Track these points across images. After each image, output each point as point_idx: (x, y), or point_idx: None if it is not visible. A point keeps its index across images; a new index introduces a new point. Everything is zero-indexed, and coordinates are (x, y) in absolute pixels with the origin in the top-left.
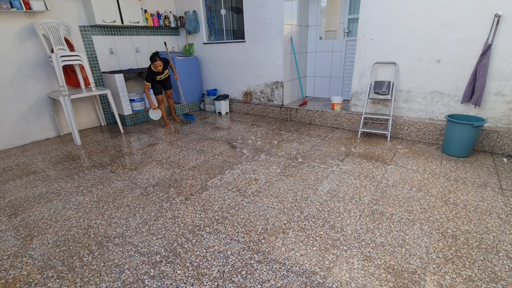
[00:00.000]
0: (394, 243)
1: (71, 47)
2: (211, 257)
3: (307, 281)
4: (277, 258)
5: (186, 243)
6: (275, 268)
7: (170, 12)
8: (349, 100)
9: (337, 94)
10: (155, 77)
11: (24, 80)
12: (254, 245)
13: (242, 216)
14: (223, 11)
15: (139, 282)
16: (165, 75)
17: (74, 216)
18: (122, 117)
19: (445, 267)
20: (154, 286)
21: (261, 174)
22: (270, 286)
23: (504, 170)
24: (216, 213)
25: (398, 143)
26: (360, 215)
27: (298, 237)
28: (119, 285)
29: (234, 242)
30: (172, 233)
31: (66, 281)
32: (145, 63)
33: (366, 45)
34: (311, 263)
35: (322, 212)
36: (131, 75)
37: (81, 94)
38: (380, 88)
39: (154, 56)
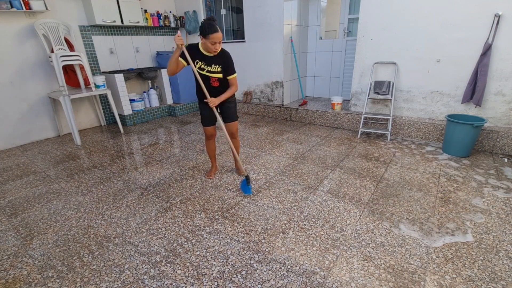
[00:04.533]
0: (394, 243)
1: (71, 47)
2: (211, 257)
3: (307, 281)
4: (277, 258)
5: (186, 243)
6: (275, 268)
7: (170, 12)
8: (349, 100)
9: (337, 94)
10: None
11: (24, 80)
12: (254, 245)
13: (242, 216)
14: (223, 11)
15: (139, 282)
16: (215, 73)
17: (74, 216)
18: (122, 117)
19: (445, 267)
20: (154, 286)
21: (261, 174)
22: (270, 286)
23: (504, 170)
24: (216, 213)
25: (398, 143)
26: (360, 215)
27: (298, 237)
28: (119, 285)
29: (234, 242)
30: (172, 233)
31: (66, 281)
32: (145, 63)
33: (366, 45)
34: (311, 263)
35: (322, 212)
36: (131, 75)
37: (81, 94)
38: (380, 88)
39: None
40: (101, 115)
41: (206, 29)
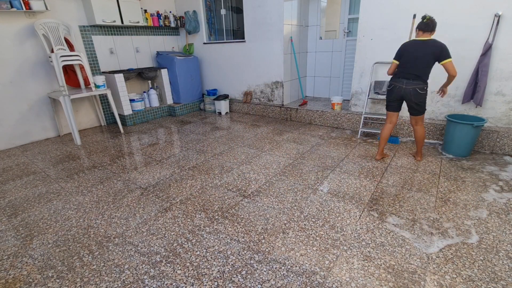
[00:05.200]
0: (394, 243)
1: (71, 47)
2: (211, 257)
3: (307, 281)
4: (277, 258)
5: (186, 243)
6: (275, 268)
7: (170, 12)
8: (349, 100)
9: (337, 94)
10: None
11: (24, 80)
12: (254, 245)
13: (242, 216)
14: (223, 11)
15: (139, 282)
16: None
17: (74, 216)
18: (122, 117)
19: (445, 267)
20: (154, 286)
21: (261, 174)
22: (270, 286)
23: (504, 170)
24: (216, 213)
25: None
26: (360, 215)
27: (298, 237)
28: (119, 285)
29: (234, 242)
30: (172, 233)
31: (66, 281)
32: (145, 63)
33: (366, 45)
34: (311, 263)
35: (322, 212)
36: (131, 75)
37: (81, 94)
38: (380, 88)
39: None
40: (101, 115)
41: None
